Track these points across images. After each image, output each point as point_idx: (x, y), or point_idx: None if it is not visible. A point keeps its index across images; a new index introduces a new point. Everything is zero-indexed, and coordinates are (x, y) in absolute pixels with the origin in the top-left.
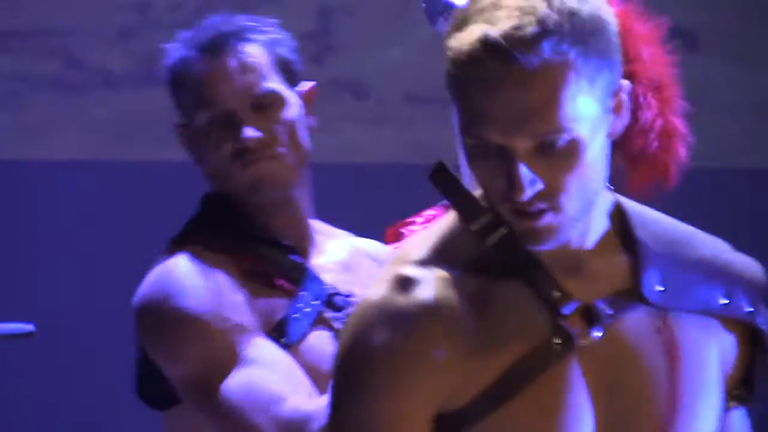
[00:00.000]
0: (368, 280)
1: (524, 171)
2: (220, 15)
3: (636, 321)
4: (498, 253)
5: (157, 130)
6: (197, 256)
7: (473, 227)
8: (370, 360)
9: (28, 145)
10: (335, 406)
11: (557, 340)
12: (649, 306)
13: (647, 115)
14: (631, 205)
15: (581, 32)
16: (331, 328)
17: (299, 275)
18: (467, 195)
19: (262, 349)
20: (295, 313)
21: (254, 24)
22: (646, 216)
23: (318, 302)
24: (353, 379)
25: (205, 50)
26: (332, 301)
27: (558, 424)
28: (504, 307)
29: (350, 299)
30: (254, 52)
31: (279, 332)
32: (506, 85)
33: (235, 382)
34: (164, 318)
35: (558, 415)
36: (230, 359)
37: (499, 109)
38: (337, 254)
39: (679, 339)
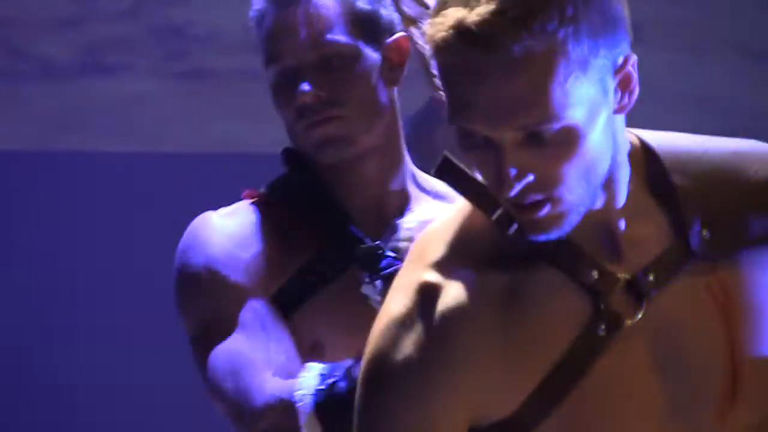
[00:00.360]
0: None
1: (511, 165)
2: None
3: (684, 283)
4: (522, 242)
5: (98, 120)
6: (238, 210)
7: (492, 218)
8: (399, 372)
9: None
10: (364, 422)
11: (602, 326)
12: (697, 259)
13: None
14: (657, 140)
15: (570, 11)
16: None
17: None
18: (480, 187)
19: (254, 313)
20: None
21: None
22: (676, 147)
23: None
24: (382, 391)
25: (275, 1)
26: (371, 261)
27: (621, 413)
28: (538, 299)
29: (396, 263)
30: (325, 2)
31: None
32: (487, 75)
33: (221, 347)
34: (178, 272)
35: (619, 404)
36: (229, 321)
37: (482, 99)
38: (420, 217)
39: (733, 292)
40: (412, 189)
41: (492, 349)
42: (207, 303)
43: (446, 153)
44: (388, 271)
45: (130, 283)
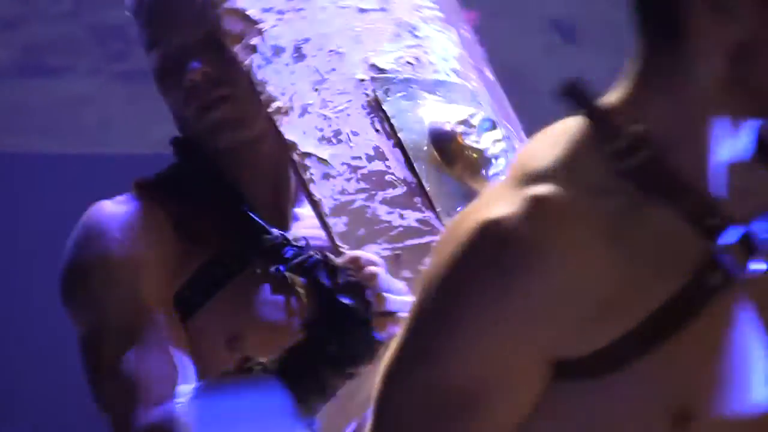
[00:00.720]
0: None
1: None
2: None
3: None
4: (640, 177)
5: (37, 121)
6: (134, 201)
7: (610, 148)
8: (484, 289)
9: None
10: (417, 349)
11: (714, 275)
12: None
13: None
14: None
15: None
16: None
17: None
18: (604, 113)
19: (149, 324)
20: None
21: None
22: None
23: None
24: (453, 310)
25: None
26: (276, 252)
27: (721, 368)
28: (648, 237)
29: (305, 251)
30: None
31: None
32: None
33: (110, 361)
34: (69, 263)
35: (720, 358)
36: (122, 329)
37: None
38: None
39: None
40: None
41: (595, 281)
42: (100, 302)
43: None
44: (294, 261)
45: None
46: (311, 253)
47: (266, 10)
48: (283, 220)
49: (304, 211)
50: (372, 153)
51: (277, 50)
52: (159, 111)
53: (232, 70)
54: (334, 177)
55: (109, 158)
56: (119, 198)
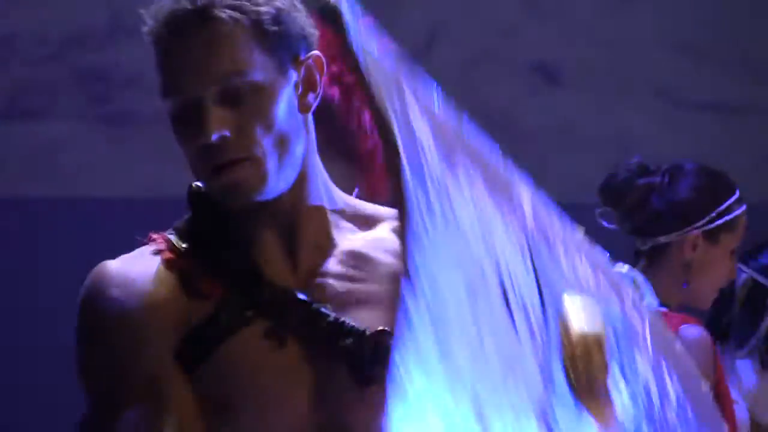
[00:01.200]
0: (373, 278)
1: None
2: None
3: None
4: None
5: (20, 164)
6: (141, 258)
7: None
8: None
9: None
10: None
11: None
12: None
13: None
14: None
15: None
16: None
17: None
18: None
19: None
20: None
21: None
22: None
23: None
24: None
25: (168, 24)
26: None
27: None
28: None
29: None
30: (227, 25)
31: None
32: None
33: None
34: (77, 329)
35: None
36: (111, 399)
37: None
38: (342, 254)
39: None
40: (333, 219)
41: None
42: (98, 374)
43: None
44: (300, 317)
45: (45, 329)
46: (326, 312)
47: None
48: (299, 275)
49: (335, 267)
50: None
51: None
52: (141, 154)
53: (251, 128)
54: None
55: (90, 201)
56: (129, 257)
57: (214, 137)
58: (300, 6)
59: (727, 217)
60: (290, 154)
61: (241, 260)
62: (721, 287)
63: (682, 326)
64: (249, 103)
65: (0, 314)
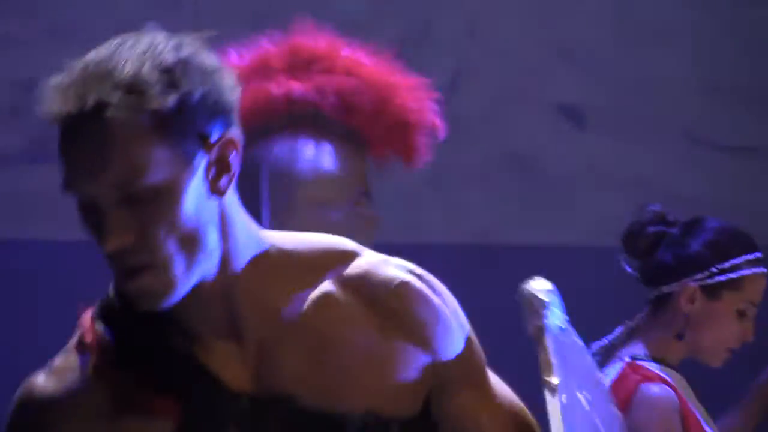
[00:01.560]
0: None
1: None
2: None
3: None
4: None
5: (47, 208)
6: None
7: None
8: None
9: None
10: None
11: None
12: None
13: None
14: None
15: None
16: None
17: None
18: None
19: None
20: None
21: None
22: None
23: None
24: None
25: (62, 119)
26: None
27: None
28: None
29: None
30: (124, 117)
31: None
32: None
33: None
34: None
35: None
36: None
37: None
38: (296, 327)
39: None
40: (271, 280)
41: None
42: None
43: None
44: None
45: None
46: (305, 405)
47: None
48: (254, 366)
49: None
50: None
51: None
52: None
53: (155, 231)
54: None
55: None
56: (56, 366)
57: (112, 247)
58: (218, 68)
59: (731, 275)
60: (202, 250)
61: (190, 365)
62: (731, 347)
63: (642, 384)
64: (150, 204)
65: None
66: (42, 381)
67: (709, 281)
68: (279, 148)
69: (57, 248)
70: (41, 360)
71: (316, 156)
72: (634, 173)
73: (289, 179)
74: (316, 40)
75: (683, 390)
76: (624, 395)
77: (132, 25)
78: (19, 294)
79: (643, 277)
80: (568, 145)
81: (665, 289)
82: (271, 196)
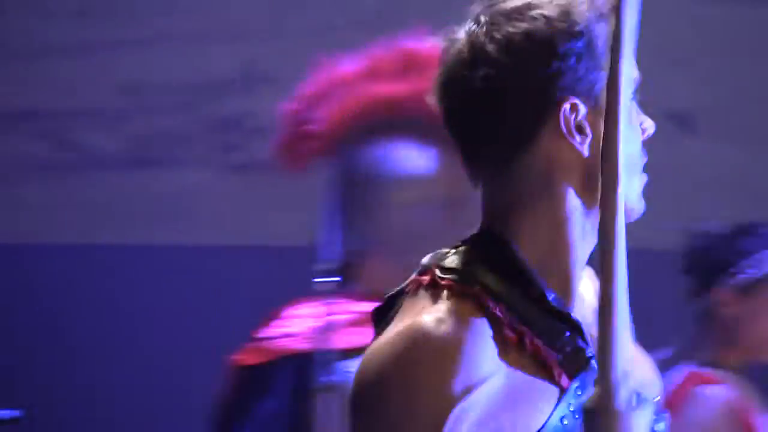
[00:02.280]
0: None
1: None
2: None
3: None
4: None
5: (152, 212)
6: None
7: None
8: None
9: (25, 227)
10: None
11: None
12: None
13: None
14: None
15: None
16: None
17: (579, 363)
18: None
19: None
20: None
21: None
22: None
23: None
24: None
25: None
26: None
27: None
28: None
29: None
30: None
31: None
32: None
33: None
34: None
35: None
36: None
37: None
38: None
39: None
40: None
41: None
42: None
43: None
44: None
45: (175, 382)
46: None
47: None
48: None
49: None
50: None
51: None
52: (272, 203)
53: None
54: None
55: (221, 250)
56: (450, 320)
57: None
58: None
59: (758, 270)
60: None
61: (577, 336)
62: None
63: (700, 386)
64: None
65: (129, 365)
66: (443, 332)
67: (735, 281)
68: (379, 150)
69: (157, 253)
70: (146, 361)
71: (413, 158)
72: (743, 179)
73: (385, 180)
74: (426, 46)
75: (743, 393)
76: (683, 398)
77: (239, 29)
78: (115, 298)
79: (690, 292)
80: (678, 152)
81: (702, 299)
82: (367, 196)
